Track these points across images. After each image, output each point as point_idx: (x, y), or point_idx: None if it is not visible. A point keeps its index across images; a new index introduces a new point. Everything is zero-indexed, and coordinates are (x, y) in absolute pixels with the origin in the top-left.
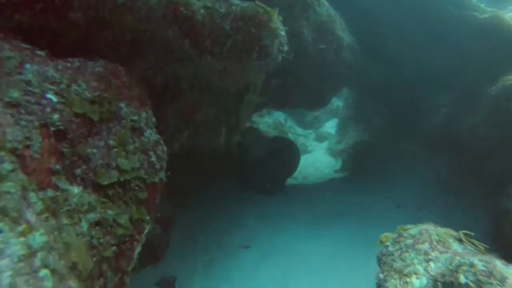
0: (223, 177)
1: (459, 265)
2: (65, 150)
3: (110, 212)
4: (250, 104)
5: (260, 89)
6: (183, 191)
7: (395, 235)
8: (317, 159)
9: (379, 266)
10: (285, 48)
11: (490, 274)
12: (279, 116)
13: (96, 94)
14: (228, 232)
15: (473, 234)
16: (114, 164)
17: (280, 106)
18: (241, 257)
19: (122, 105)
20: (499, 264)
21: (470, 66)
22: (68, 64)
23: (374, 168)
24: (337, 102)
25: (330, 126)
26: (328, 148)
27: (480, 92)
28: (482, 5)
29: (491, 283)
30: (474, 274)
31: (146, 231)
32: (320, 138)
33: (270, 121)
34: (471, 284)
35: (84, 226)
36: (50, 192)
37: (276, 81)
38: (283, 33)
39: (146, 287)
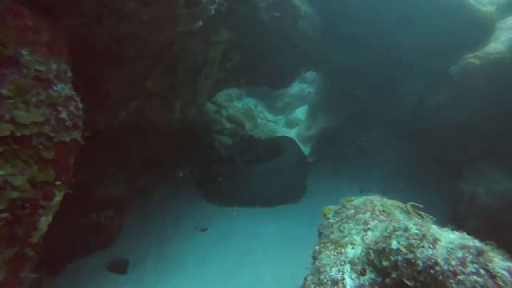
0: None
1: (394, 230)
2: None
3: (0, 172)
4: (208, 78)
5: (218, 64)
6: (138, 173)
7: (337, 207)
8: None
9: (318, 238)
10: None
11: (423, 237)
12: (249, 101)
13: None
14: (184, 214)
15: (421, 206)
16: (7, 116)
17: (242, 84)
18: (196, 239)
19: (24, 51)
20: (434, 227)
21: (434, 48)
22: None
23: (340, 154)
24: (308, 89)
25: (301, 113)
26: (298, 134)
27: (443, 74)
28: None
29: (422, 246)
30: (407, 238)
31: (57, 197)
32: (290, 124)
33: (239, 106)
34: (402, 249)
35: None
36: None
37: (236, 55)
38: None
39: (97, 271)
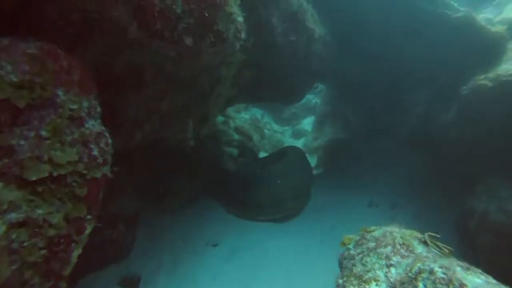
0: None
1: (419, 272)
2: None
3: (39, 211)
4: (220, 96)
5: (230, 81)
6: (150, 188)
7: (357, 237)
8: None
9: (340, 270)
10: (243, 36)
11: (449, 281)
12: (256, 112)
13: (26, 78)
14: (196, 229)
15: (438, 236)
16: (46, 157)
17: (253, 101)
18: (208, 254)
19: (60, 92)
20: (459, 270)
21: (445, 65)
22: None
23: (348, 166)
24: (315, 100)
25: (308, 123)
26: (304, 145)
27: (453, 92)
28: (455, 4)
29: None
30: (433, 282)
31: (87, 231)
32: (297, 135)
33: (246, 117)
34: None
35: (1, 227)
36: None
37: (248, 73)
38: (240, 18)
39: (109, 286)
